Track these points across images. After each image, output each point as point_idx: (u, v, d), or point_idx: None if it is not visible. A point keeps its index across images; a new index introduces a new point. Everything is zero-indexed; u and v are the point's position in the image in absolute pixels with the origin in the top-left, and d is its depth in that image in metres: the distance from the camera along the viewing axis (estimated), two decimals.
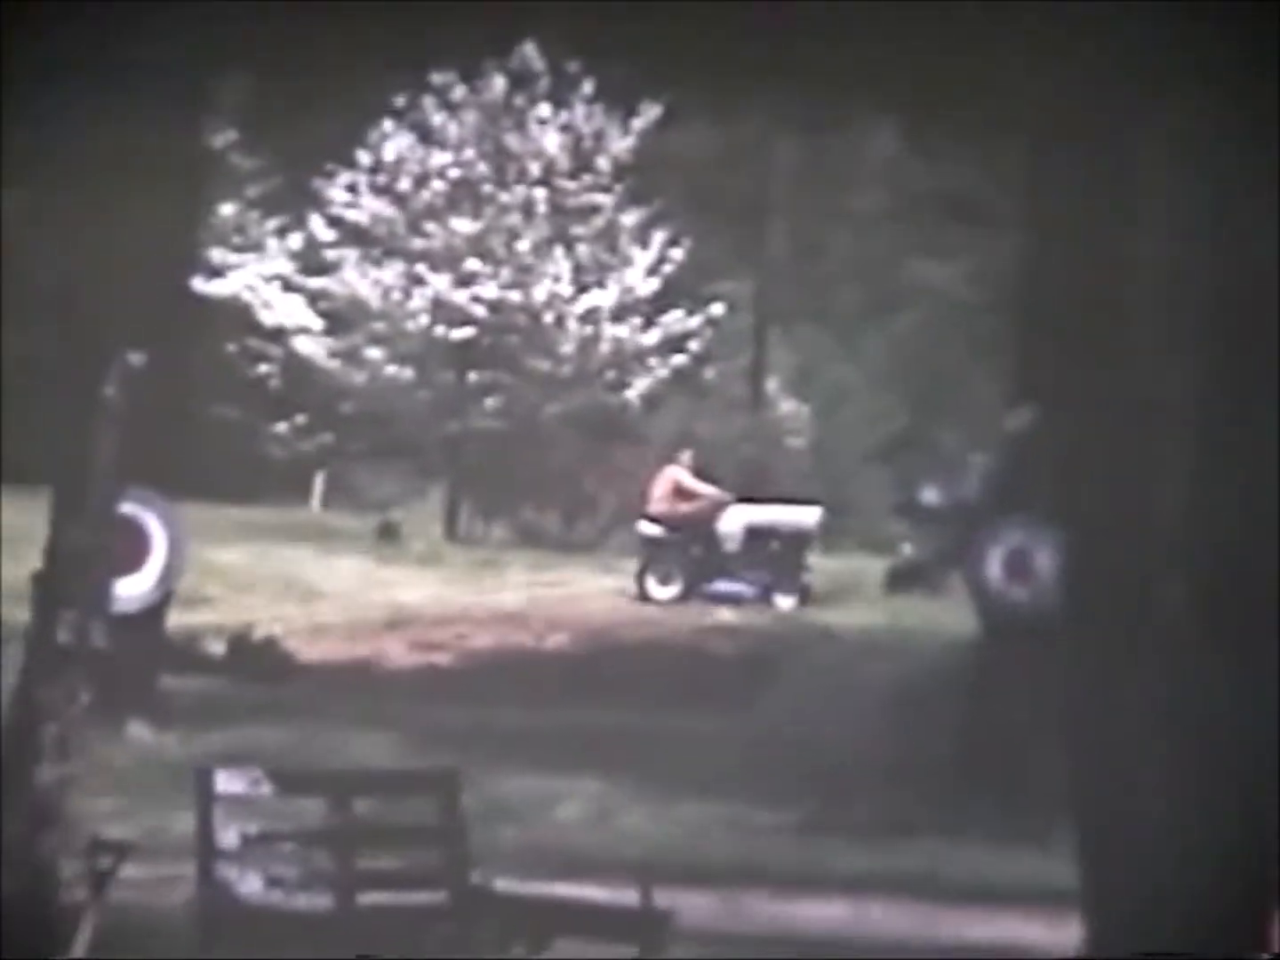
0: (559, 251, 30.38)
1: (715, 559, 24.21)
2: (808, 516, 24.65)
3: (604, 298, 30.45)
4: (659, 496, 24.78)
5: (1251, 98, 8.44)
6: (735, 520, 24.44)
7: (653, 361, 30.73)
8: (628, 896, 8.29)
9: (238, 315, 30.62)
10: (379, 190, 30.44)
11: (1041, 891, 11.35)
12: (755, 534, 24.22)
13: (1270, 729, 8.68)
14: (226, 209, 30.61)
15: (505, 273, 30.22)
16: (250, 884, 7.90)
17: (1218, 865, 8.54)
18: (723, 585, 23.91)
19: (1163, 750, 8.63)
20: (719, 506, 24.65)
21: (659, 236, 30.41)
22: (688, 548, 24.20)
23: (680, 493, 24.77)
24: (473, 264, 30.09)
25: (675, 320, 30.56)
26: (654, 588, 23.99)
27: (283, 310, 31.07)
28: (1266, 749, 8.67)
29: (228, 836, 7.89)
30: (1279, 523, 8.65)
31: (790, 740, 17.36)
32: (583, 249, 30.59)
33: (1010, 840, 13.75)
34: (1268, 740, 8.68)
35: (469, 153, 30.28)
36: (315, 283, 30.94)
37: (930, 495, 26.19)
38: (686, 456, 25.44)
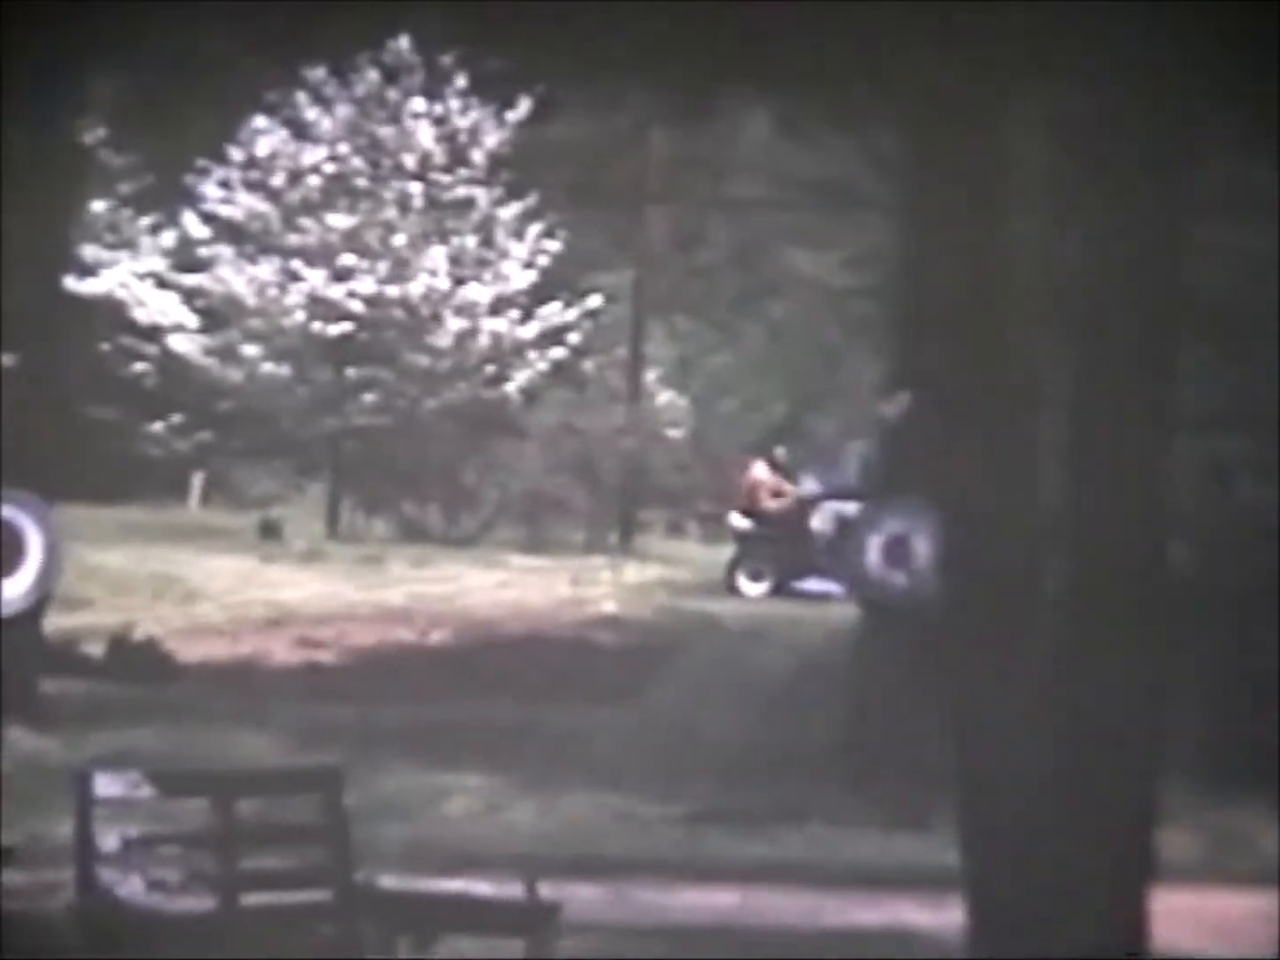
0: (435, 246, 30.27)
1: (806, 556, 23.95)
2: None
3: (481, 291, 30.38)
4: (748, 491, 24.70)
5: (1126, 84, 8.51)
6: (828, 517, 24.27)
7: (531, 354, 30.68)
8: (515, 890, 8.27)
9: (111, 313, 30.33)
10: (252, 186, 30.22)
11: (925, 875, 11.43)
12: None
13: (1149, 712, 8.77)
14: (98, 206, 30.30)
15: (382, 268, 30.08)
16: (132, 887, 7.82)
17: (1097, 847, 8.62)
18: (813, 583, 23.69)
19: (1043, 734, 8.69)
20: (810, 503, 24.53)
21: (536, 229, 30.36)
22: (779, 544, 23.99)
23: (769, 488, 24.66)
24: (349, 259, 29.94)
25: (553, 313, 30.53)
26: (745, 584, 23.82)
27: (157, 308, 30.79)
28: (1145, 732, 8.76)
29: (108, 840, 7.81)
30: (1155, 506, 8.73)
31: (677, 730, 17.40)
32: (459, 243, 30.50)
33: (894, 825, 13.84)
34: (1146, 723, 8.77)
35: (343, 147, 30.11)
36: (190, 280, 30.68)
37: (810, 483, 26.30)
38: (780, 451, 25.39)
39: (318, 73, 28.69)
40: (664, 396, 32.66)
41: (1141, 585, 8.58)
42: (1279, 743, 14.40)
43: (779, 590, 23.60)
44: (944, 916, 9.65)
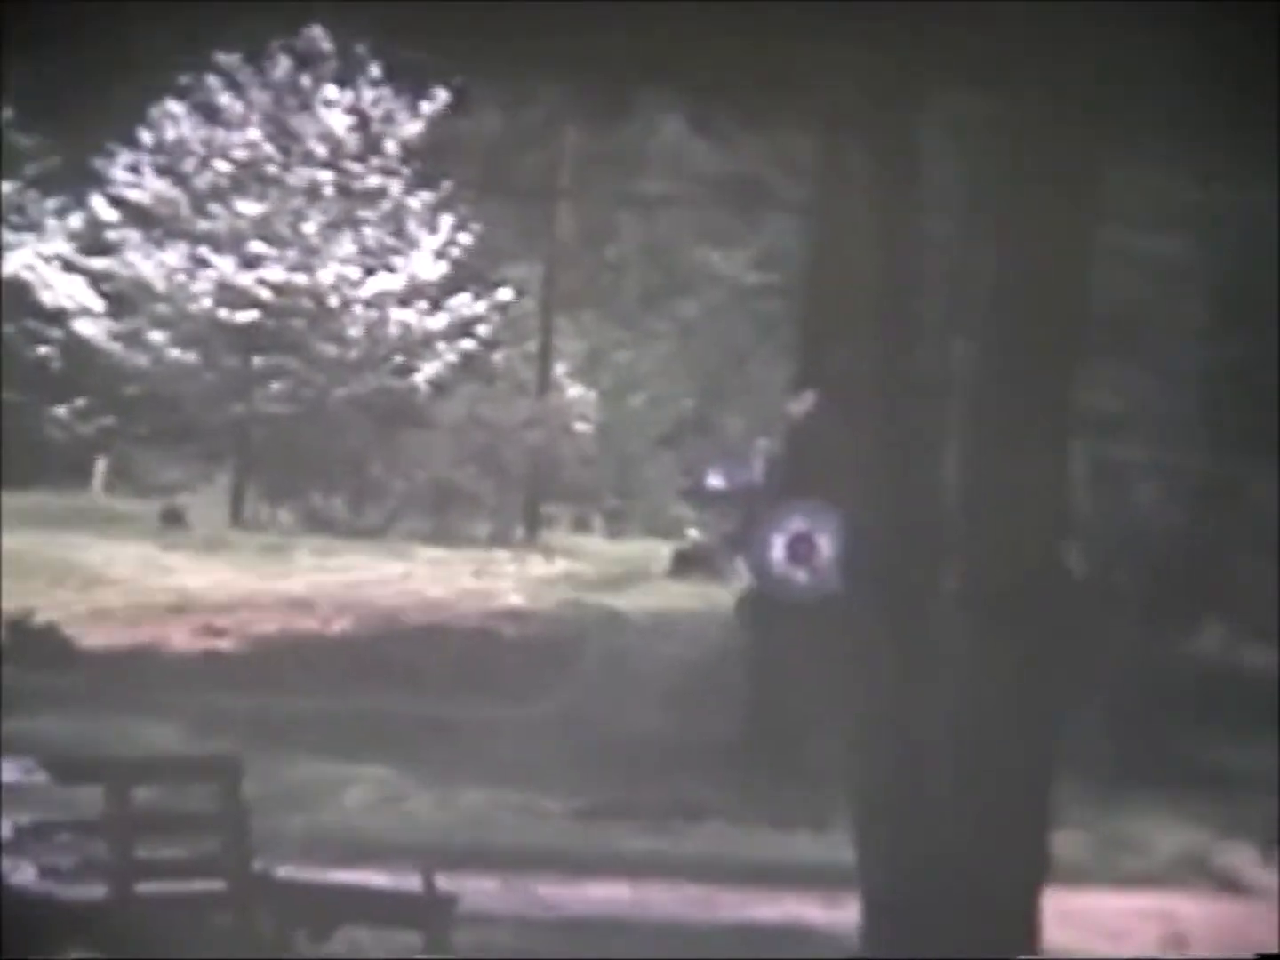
0: (346, 235, 30.16)
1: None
2: None
3: (391, 281, 30.27)
4: None
5: (1038, 90, 8.58)
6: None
7: (440, 346, 30.61)
8: (412, 882, 8.26)
9: (16, 296, 30.05)
10: (162, 170, 30.01)
11: (822, 873, 11.48)
12: None
13: (1044, 713, 8.85)
14: (5, 187, 30.03)
15: (291, 255, 29.93)
16: (24, 874, 7.77)
17: (992, 847, 8.70)
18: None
19: (939, 734, 8.76)
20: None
21: (447, 221, 30.28)
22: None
23: None
24: (258, 246, 29.78)
25: (463, 305, 30.46)
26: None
27: (63, 291, 30.54)
28: (1040, 733, 8.84)
29: (0, 827, 7.76)
30: (1053, 508, 8.81)
31: (577, 725, 17.41)
32: (370, 232, 30.39)
33: (792, 823, 13.89)
34: (1042, 724, 8.85)
35: (254, 133, 29.95)
36: (97, 263, 30.44)
37: (716, 480, 26.33)
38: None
39: (231, 58, 28.53)
40: (572, 391, 32.65)
41: (1039, 586, 8.66)
42: (1171, 746, 14.55)
43: None
44: (840, 914, 9.72)
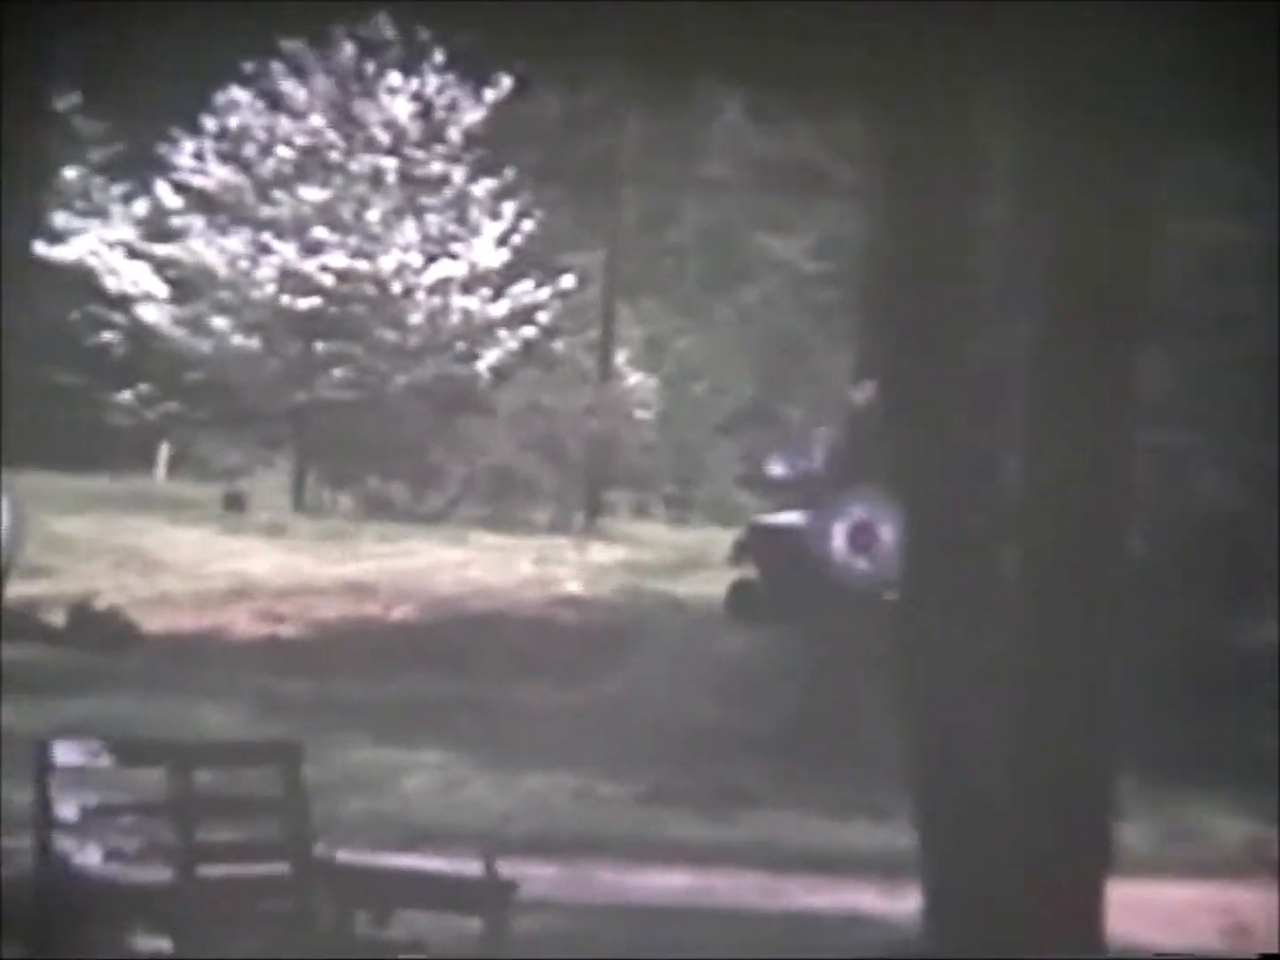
0: (408, 221, 30.23)
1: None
2: None
3: (453, 268, 30.34)
4: None
5: (1097, 75, 8.54)
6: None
7: (502, 333, 30.66)
8: (471, 868, 8.28)
9: (81, 281, 30.24)
10: (226, 157, 30.14)
11: (880, 860, 11.47)
12: None
13: (1105, 702, 8.82)
14: (70, 173, 30.19)
15: (353, 242, 30.03)
16: (89, 856, 7.81)
17: (1054, 836, 8.68)
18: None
19: (1000, 722, 8.74)
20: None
21: (509, 207, 30.33)
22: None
23: None
24: (321, 233, 29.88)
25: (524, 292, 30.51)
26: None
27: (127, 277, 30.71)
28: (1101, 721, 8.81)
29: (66, 808, 7.80)
30: (1114, 496, 8.78)
31: (636, 711, 17.43)
32: (432, 219, 30.46)
33: (849, 810, 13.89)
34: (1103, 712, 8.82)
35: (318, 120, 30.05)
36: (161, 250, 30.59)
37: (776, 468, 26.32)
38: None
39: (295, 45, 28.63)
40: (633, 378, 32.66)
41: (1099, 575, 8.63)
42: (1233, 735, 14.49)
43: None
44: (900, 903, 9.70)
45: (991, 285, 8.87)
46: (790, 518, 21.27)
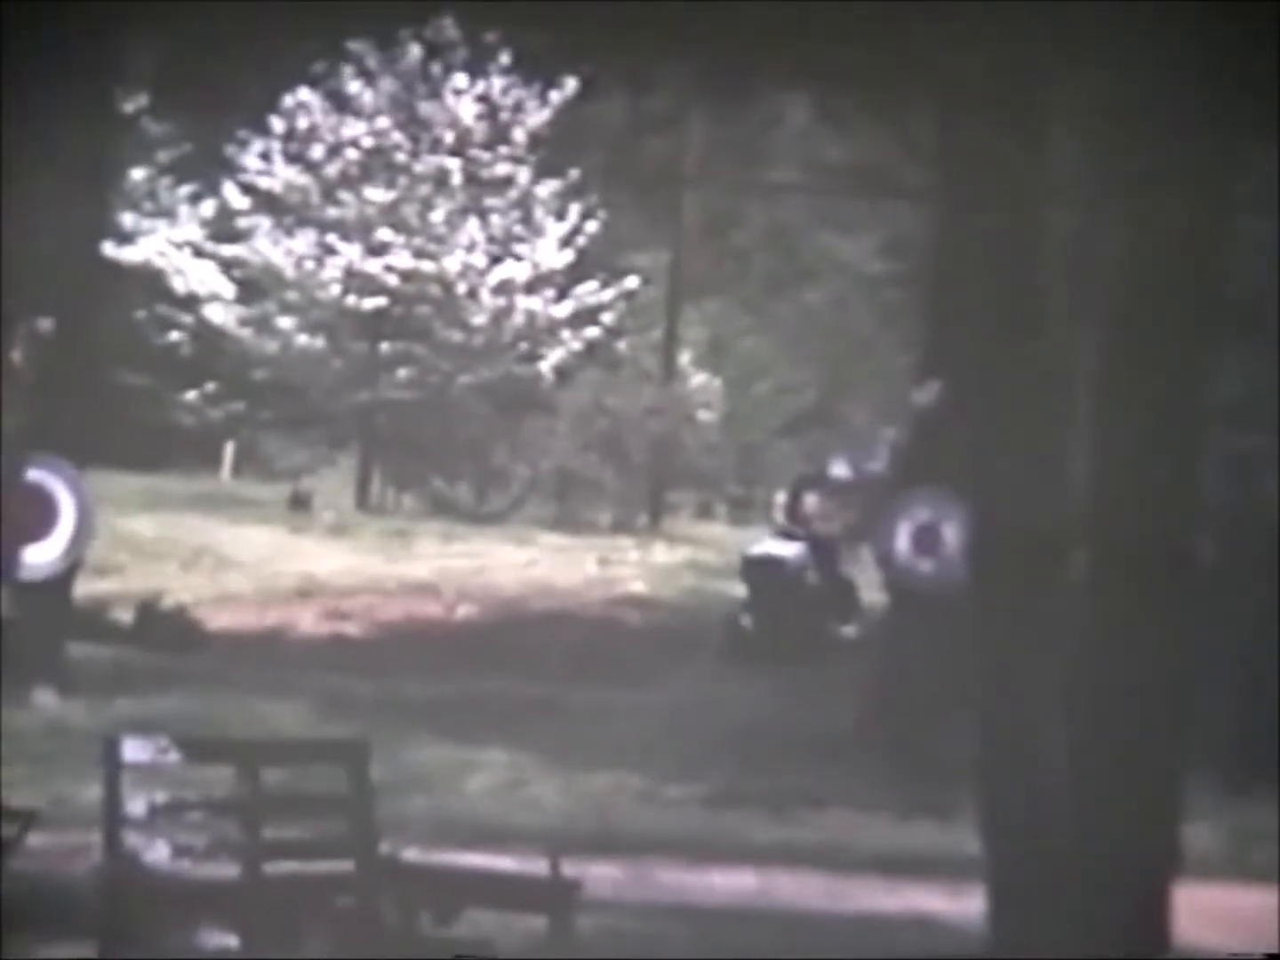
0: (473, 222, 30.31)
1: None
2: None
3: (517, 269, 30.41)
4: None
5: (1165, 75, 8.50)
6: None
7: (565, 334, 30.72)
8: (536, 867, 8.30)
9: (148, 282, 30.44)
10: (292, 158, 30.28)
11: (946, 863, 11.44)
12: None
13: (1172, 705, 8.78)
14: (138, 174, 30.39)
15: (418, 243, 30.13)
16: (157, 852, 7.86)
17: (1119, 840, 8.63)
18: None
19: (1066, 725, 8.70)
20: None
21: (574, 209, 30.38)
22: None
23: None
24: (386, 234, 29.99)
25: (588, 292, 30.56)
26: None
27: (194, 277, 30.90)
28: (1168, 725, 8.77)
29: (135, 805, 7.85)
30: (1182, 499, 8.73)
31: (700, 712, 17.41)
32: (497, 220, 30.54)
33: (916, 812, 13.85)
34: (1169, 716, 8.77)
35: (383, 122, 30.15)
36: (227, 250, 30.76)
37: (839, 468, 26.26)
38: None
39: (362, 46, 28.72)
40: (696, 378, 32.67)
41: (1167, 578, 8.58)
42: None
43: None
44: (964, 905, 9.66)
45: (1060, 287, 8.83)
46: (784, 548, 21.10)
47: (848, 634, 19.23)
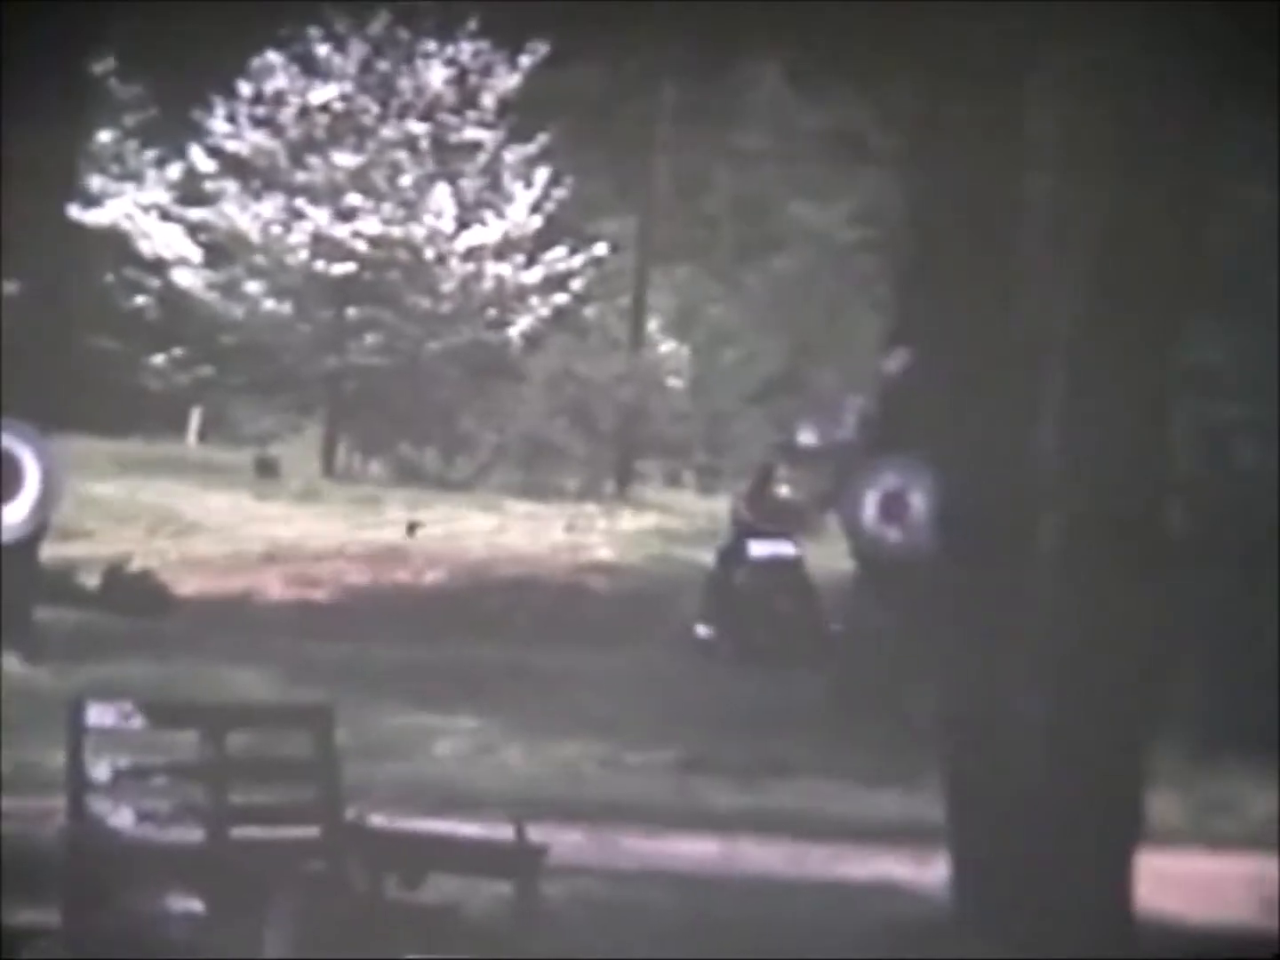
0: (441, 187, 30.22)
1: None
2: None
3: (486, 235, 30.35)
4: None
5: (1144, 41, 8.48)
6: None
7: (534, 300, 30.67)
8: (502, 832, 8.29)
9: (115, 245, 30.30)
10: (260, 122, 30.16)
11: (911, 830, 11.46)
12: None
13: (1140, 673, 8.80)
14: (105, 137, 30.24)
15: (387, 208, 30.04)
16: (122, 817, 7.83)
17: (1085, 807, 8.65)
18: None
19: (1033, 693, 8.72)
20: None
21: (542, 174, 30.31)
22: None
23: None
24: (354, 199, 29.90)
25: (557, 258, 30.51)
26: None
27: (161, 241, 30.77)
28: (1135, 693, 8.79)
29: (99, 769, 7.81)
30: (1152, 466, 8.74)
31: (666, 679, 17.43)
32: (465, 185, 30.46)
33: (880, 779, 13.87)
34: (1137, 684, 8.79)
35: (352, 86, 30.05)
36: (195, 214, 30.64)
37: (807, 436, 26.28)
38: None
39: (330, 9, 28.61)
40: (665, 345, 32.66)
41: (1136, 545, 8.59)
42: (1268, 707, 14.43)
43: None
44: (929, 872, 9.69)
45: (1033, 255, 8.81)
46: (785, 548, 20.35)
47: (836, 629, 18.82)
